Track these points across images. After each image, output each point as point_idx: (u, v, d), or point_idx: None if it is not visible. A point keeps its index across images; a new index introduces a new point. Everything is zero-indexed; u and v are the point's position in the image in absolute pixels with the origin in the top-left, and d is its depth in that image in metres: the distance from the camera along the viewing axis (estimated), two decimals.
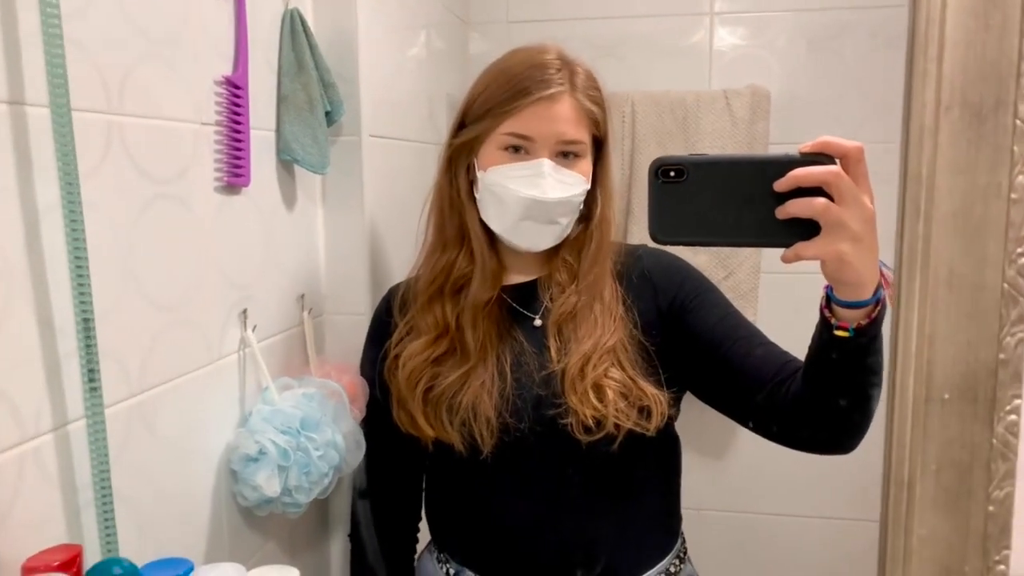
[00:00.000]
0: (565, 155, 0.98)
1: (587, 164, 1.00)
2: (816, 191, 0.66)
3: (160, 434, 0.85)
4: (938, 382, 0.41)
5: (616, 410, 0.92)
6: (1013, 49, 0.39)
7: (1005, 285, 0.40)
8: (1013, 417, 0.41)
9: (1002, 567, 0.41)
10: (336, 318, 1.24)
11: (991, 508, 0.41)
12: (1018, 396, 0.40)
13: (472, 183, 1.02)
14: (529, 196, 0.95)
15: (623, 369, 0.95)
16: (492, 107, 0.97)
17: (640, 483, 1.01)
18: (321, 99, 1.11)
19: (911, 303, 0.41)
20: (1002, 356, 0.40)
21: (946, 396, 0.41)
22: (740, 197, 0.67)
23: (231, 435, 0.98)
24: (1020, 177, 0.39)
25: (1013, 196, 0.39)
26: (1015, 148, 0.39)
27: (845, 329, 0.75)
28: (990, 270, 0.40)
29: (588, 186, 1.00)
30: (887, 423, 0.43)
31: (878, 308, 0.74)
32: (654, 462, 1.02)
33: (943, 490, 0.42)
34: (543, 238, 0.99)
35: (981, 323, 0.40)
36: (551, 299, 1.01)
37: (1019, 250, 0.39)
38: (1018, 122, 0.39)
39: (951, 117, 0.39)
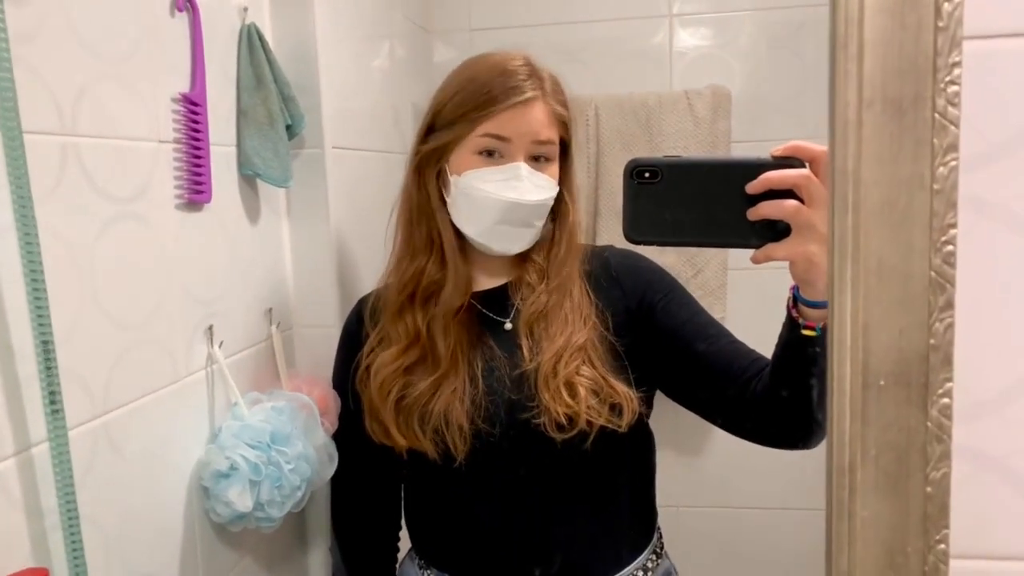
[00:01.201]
0: (536, 158, 0.99)
1: (556, 167, 1.02)
2: (787, 193, 0.68)
3: (127, 454, 0.85)
4: (873, 369, 0.42)
5: (588, 406, 0.93)
6: (929, 46, 0.40)
7: (932, 273, 0.41)
8: (946, 400, 0.42)
9: (942, 546, 0.43)
10: (305, 331, 1.24)
11: (929, 489, 0.42)
12: (949, 380, 0.42)
13: (442, 189, 1.02)
14: (507, 199, 0.96)
15: (594, 367, 0.96)
16: (466, 111, 0.98)
17: (615, 481, 1.03)
18: (281, 113, 1.12)
19: (844, 293, 0.42)
20: (932, 341, 0.42)
21: (882, 383, 0.42)
22: (713, 199, 0.68)
23: (201, 452, 0.97)
24: (941, 168, 0.41)
25: (935, 187, 0.41)
26: (935, 141, 0.40)
27: (812, 328, 0.77)
28: (917, 259, 0.41)
29: (558, 189, 1.01)
30: (828, 411, 0.44)
31: None
32: (629, 460, 1.04)
33: (883, 473, 0.43)
34: (517, 241, 1.01)
35: (911, 310, 0.42)
36: (522, 300, 1.02)
37: (943, 239, 0.41)
38: (936, 116, 0.40)
39: (873, 112, 0.41)
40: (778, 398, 0.87)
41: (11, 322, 0.70)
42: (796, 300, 0.78)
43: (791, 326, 0.80)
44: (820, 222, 0.68)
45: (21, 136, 0.68)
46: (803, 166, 0.69)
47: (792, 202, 0.67)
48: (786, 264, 0.73)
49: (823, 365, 0.76)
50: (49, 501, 0.73)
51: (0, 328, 0.69)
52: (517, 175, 0.97)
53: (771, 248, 0.69)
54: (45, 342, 0.70)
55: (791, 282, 0.79)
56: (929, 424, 0.42)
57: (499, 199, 0.96)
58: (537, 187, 0.98)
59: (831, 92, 0.42)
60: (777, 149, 0.69)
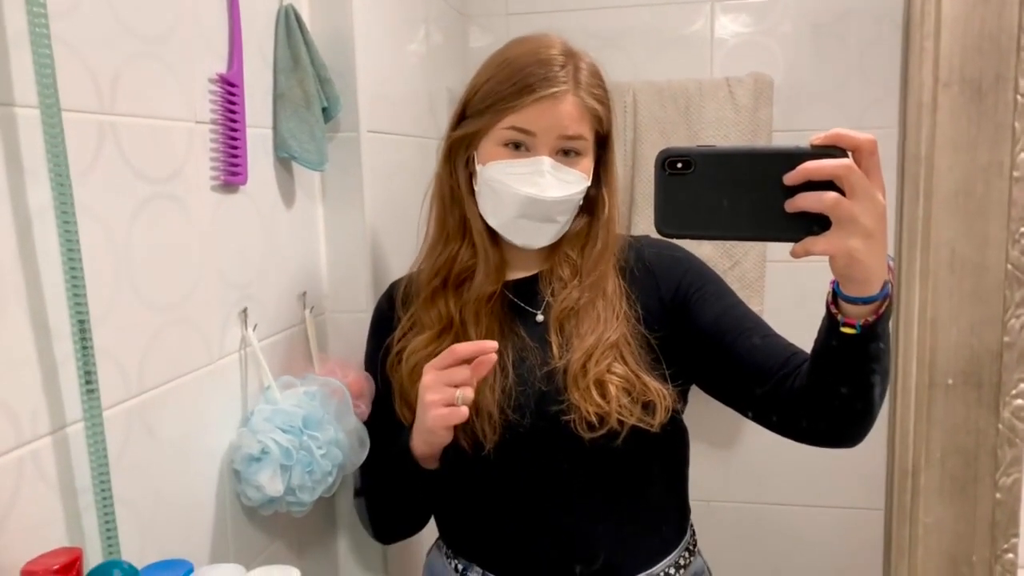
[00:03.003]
0: (566, 153, 0.97)
1: (588, 162, 0.99)
2: (827, 184, 0.65)
3: (160, 435, 0.85)
4: (941, 367, 0.40)
5: (619, 406, 0.91)
6: (1013, 22, 0.37)
7: (1009, 266, 0.39)
8: (1020, 401, 0.39)
9: (1010, 555, 0.40)
10: (338, 316, 1.24)
11: (998, 495, 0.40)
12: None
13: (472, 176, 1.01)
14: (526, 194, 0.94)
15: (626, 364, 0.94)
16: (494, 102, 0.96)
17: (646, 478, 1.01)
18: (318, 95, 1.11)
19: (912, 286, 0.40)
20: (1007, 339, 0.39)
21: (950, 381, 0.40)
22: (748, 190, 0.66)
23: (233, 435, 0.97)
24: (1022, 155, 0.38)
25: (1016, 174, 0.38)
26: (1016, 124, 0.38)
27: (852, 326, 0.74)
28: (993, 251, 0.39)
29: (588, 184, 0.99)
30: (890, 410, 0.42)
31: (885, 304, 0.72)
32: (660, 456, 1.01)
33: (949, 478, 0.41)
34: (539, 236, 0.99)
35: (984, 305, 0.39)
36: (552, 294, 1.00)
37: (1022, 230, 0.38)
38: (1019, 97, 0.38)
39: (950, 94, 0.38)
40: (816, 395, 0.84)
41: (48, 302, 0.70)
42: (836, 296, 0.75)
43: (830, 323, 0.77)
44: (862, 215, 0.64)
45: (60, 114, 0.67)
46: (845, 155, 0.65)
47: (832, 194, 0.64)
48: (826, 257, 0.70)
49: (865, 363, 0.74)
50: (83, 481, 0.73)
51: (37, 307, 0.69)
52: (539, 170, 0.94)
53: (810, 242, 0.66)
54: (82, 322, 0.70)
55: (828, 290, 0.77)
56: (1001, 426, 0.40)
57: (518, 193, 0.94)
58: (561, 182, 0.95)
59: (903, 72, 0.39)
60: (817, 137, 0.66)
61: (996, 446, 0.40)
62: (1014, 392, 0.39)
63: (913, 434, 0.41)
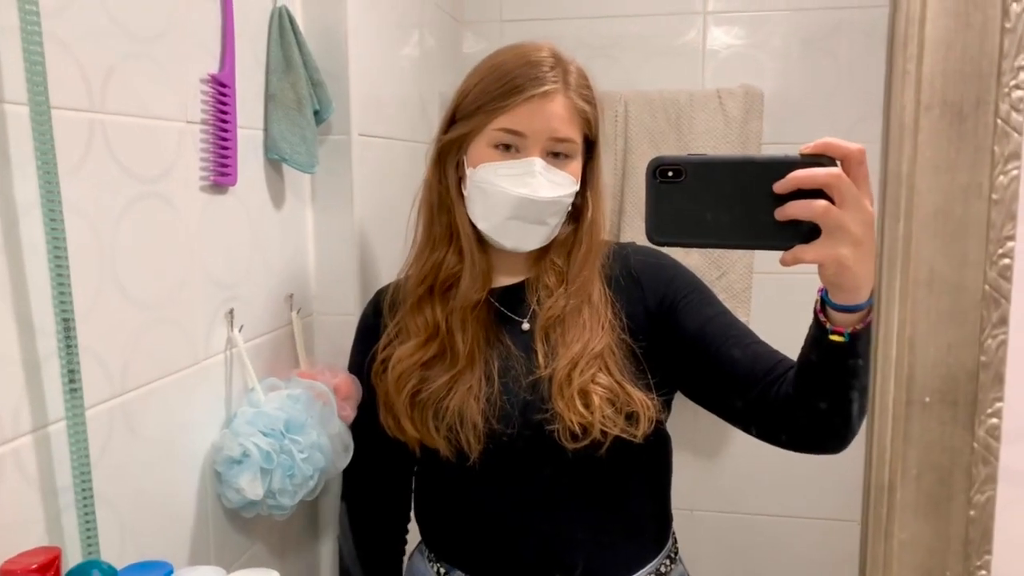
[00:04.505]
0: (556, 155, 0.97)
1: (577, 165, 0.99)
2: (817, 193, 0.65)
3: (143, 435, 0.85)
4: (919, 385, 0.41)
5: (603, 416, 0.91)
6: (994, 48, 0.38)
7: (986, 287, 0.39)
8: (994, 421, 0.40)
9: (983, 572, 0.41)
10: (325, 318, 1.24)
11: (972, 513, 0.41)
12: (999, 399, 0.40)
13: (461, 180, 1.01)
14: (519, 195, 0.94)
15: (610, 374, 0.94)
16: (484, 103, 0.96)
17: (628, 487, 1.01)
18: (310, 97, 1.11)
19: (891, 305, 0.41)
20: (983, 359, 0.40)
21: (927, 399, 0.40)
22: (739, 198, 0.66)
23: (217, 436, 0.97)
24: (1001, 177, 0.39)
25: (994, 197, 0.39)
26: (995, 148, 0.38)
27: (840, 334, 0.75)
28: (971, 271, 0.39)
29: (577, 187, 0.99)
30: (868, 427, 0.42)
31: (873, 312, 0.73)
32: (643, 465, 1.02)
33: (924, 495, 0.41)
34: (530, 238, 0.99)
35: (962, 325, 0.40)
36: (538, 302, 1.01)
37: (1000, 251, 0.39)
38: (999, 121, 0.38)
39: (931, 116, 0.39)
40: (803, 402, 0.85)
41: (33, 299, 0.69)
42: (824, 303, 0.76)
43: (818, 331, 0.77)
44: (851, 223, 0.65)
45: (49, 111, 0.67)
46: (834, 164, 0.66)
47: (822, 202, 0.65)
48: (814, 269, 0.71)
49: (852, 371, 0.75)
50: (64, 480, 0.72)
51: (22, 304, 0.69)
52: (531, 171, 0.95)
53: (800, 250, 0.67)
54: (66, 320, 0.70)
55: (819, 286, 0.77)
56: (976, 445, 0.40)
57: (510, 194, 0.94)
58: (552, 184, 0.96)
59: (887, 94, 0.40)
60: (807, 146, 0.67)
61: (971, 464, 0.40)
62: (989, 411, 0.40)
63: (890, 451, 0.41)
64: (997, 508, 0.40)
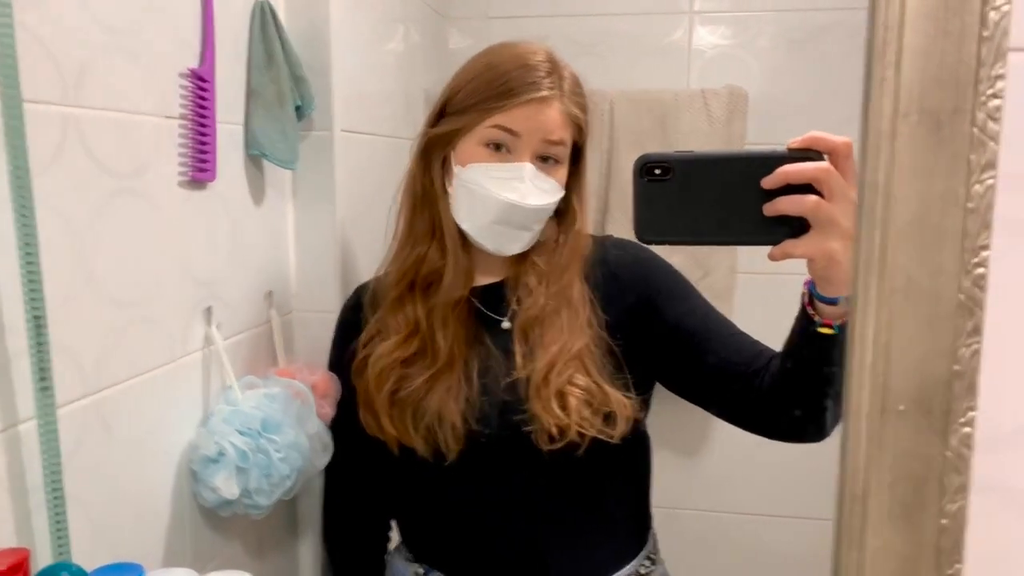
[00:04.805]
0: (545, 159, 0.96)
1: (564, 171, 0.99)
2: (805, 187, 0.65)
3: (118, 434, 0.84)
4: (894, 393, 0.40)
5: (580, 418, 0.91)
6: (972, 56, 0.38)
7: (961, 296, 0.39)
8: (967, 430, 0.40)
9: None
10: (305, 315, 1.23)
11: (944, 521, 0.41)
12: (972, 408, 0.40)
13: (447, 176, 1.00)
14: (506, 200, 0.94)
15: (588, 375, 0.94)
16: (478, 101, 0.95)
17: (606, 488, 1.01)
18: (291, 93, 1.10)
19: (867, 312, 0.40)
20: (957, 367, 0.40)
21: (901, 408, 0.40)
22: (727, 194, 0.66)
23: (193, 435, 0.96)
24: (977, 186, 0.38)
25: (970, 205, 0.39)
26: (972, 157, 0.38)
27: (829, 326, 0.75)
28: (946, 280, 0.39)
29: (562, 194, 0.99)
30: (843, 435, 0.42)
31: None
32: (621, 466, 1.02)
33: (897, 503, 0.41)
34: (513, 243, 0.98)
35: (937, 334, 0.40)
36: (518, 302, 1.00)
37: (975, 260, 0.39)
38: (975, 130, 0.38)
39: (909, 123, 0.39)
40: (786, 392, 0.85)
41: (3, 296, 0.68)
42: (812, 296, 0.76)
43: (806, 324, 0.77)
44: (841, 217, 0.65)
45: (21, 105, 0.66)
46: (821, 158, 0.66)
47: (811, 197, 0.65)
48: (797, 268, 0.71)
49: (838, 361, 0.75)
50: (35, 480, 0.71)
51: None
52: (520, 176, 0.94)
53: (789, 245, 0.67)
54: (37, 318, 0.69)
55: (801, 288, 0.77)
56: (948, 454, 0.40)
57: (498, 199, 0.94)
58: (540, 190, 0.95)
59: (865, 101, 0.40)
60: (795, 141, 0.67)
61: (943, 473, 0.40)
62: (962, 420, 0.40)
63: (864, 459, 0.41)
64: (969, 518, 0.40)
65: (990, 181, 0.38)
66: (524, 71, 0.94)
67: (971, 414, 0.40)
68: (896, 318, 0.40)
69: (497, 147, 0.95)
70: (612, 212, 1.72)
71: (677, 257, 1.64)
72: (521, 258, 1.02)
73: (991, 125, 0.38)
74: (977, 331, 0.39)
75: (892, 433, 0.40)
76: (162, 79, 0.89)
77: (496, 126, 0.94)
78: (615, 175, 1.72)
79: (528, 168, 0.94)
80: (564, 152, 0.97)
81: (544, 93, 0.94)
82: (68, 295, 0.76)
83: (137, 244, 0.86)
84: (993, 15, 0.37)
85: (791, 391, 0.84)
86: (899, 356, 0.40)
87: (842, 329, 0.74)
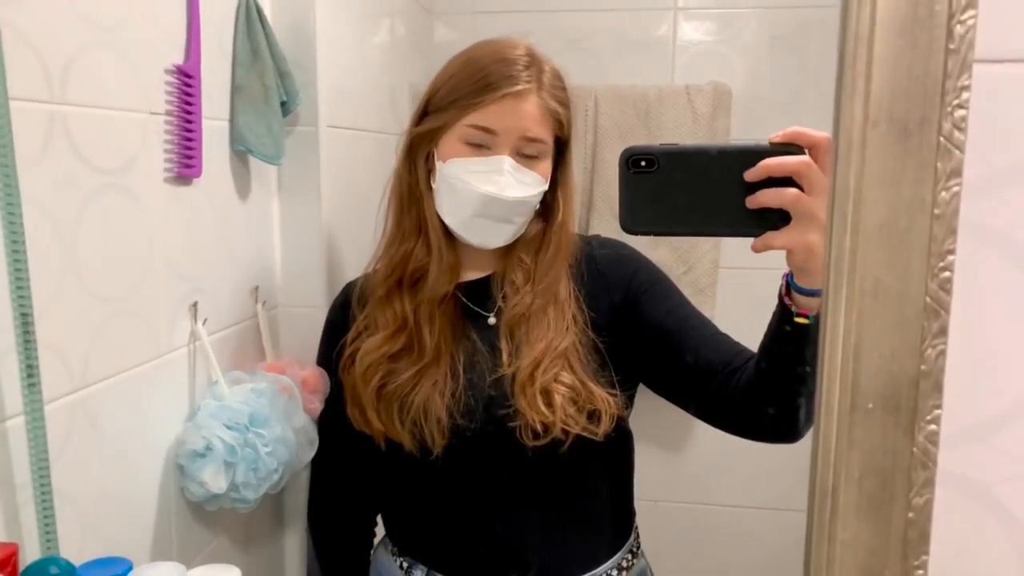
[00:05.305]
0: (526, 155, 0.97)
1: (547, 165, 1.00)
2: (787, 181, 0.67)
3: (105, 429, 0.84)
4: (863, 392, 0.42)
5: (565, 416, 0.92)
6: (938, 68, 0.39)
7: (927, 298, 0.41)
8: (933, 427, 0.41)
9: (920, 572, 0.42)
10: (291, 310, 1.23)
11: (911, 515, 0.42)
12: (938, 406, 0.41)
13: (431, 173, 1.01)
14: (486, 192, 0.95)
15: (574, 373, 0.95)
16: (457, 98, 0.96)
17: (589, 484, 1.02)
18: (277, 88, 1.10)
19: (837, 313, 0.42)
20: (923, 367, 0.41)
21: (870, 406, 0.42)
22: (710, 187, 0.67)
23: (180, 430, 0.96)
24: (943, 193, 0.40)
25: (936, 211, 0.40)
26: (938, 165, 0.40)
27: (806, 316, 0.76)
28: (914, 283, 0.41)
29: (546, 187, 1.00)
30: (814, 432, 0.44)
31: None
32: (605, 462, 1.03)
33: (866, 497, 0.42)
34: (496, 236, 0.99)
35: (904, 334, 0.41)
36: (504, 299, 1.01)
37: (941, 264, 0.40)
38: (942, 139, 0.39)
39: (878, 132, 0.40)
40: (763, 390, 0.86)
41: None
42: (790, 288, 0.77)
43: (783, 315, 0.79)
44: (820, 210, 0.66)
45: (7, 103, 0.66)
46: (803, 152, 0.67)
47: (792, 190, 0.66)
48: (779, 264, 0.72)
49: (813, 355, 0.77)
50: (22, 475, 0.72)
51: None
52: (499, 169, 0.95)
53: (770, 237, 0.68)
54: (24, 315, 0.69)
55: (781, 282, 0.79)
56: (915, 450, 0.42)
57: (477, 191, 0.95)
58: (520, 183, 0.96)
59: (836, 109, 0.41)
60: (776, 135, 0.68)
61: (910, 468, 0.42)
62: (928, 418, 0.41)
63: (834, 454, 0.43)
64: (935, 511, 0.42)
65: (956, 188, 0.40)
66: (502, 65, 0.95)
67: (937, 412, 0.41)
68: (865, 319, 0.42)
69: (477, 145, 0.96)
70: (597, 206, 1.73)
71: (661, 251, 1.66)
72: (507, 253, 1.03)
73: (957, 134, 0.39)
74: (943, 332, 0.41)
75: (861, 430, 0.42)
76: (147, 75, 0.89)
77: (473, 125, 0.95)
78: (599, 170, 1.73)
79: (507, 161, 0.95)
80: (544, 148, 0.98)
81: (520, 87, 0.94)
82: (55, 291, 0.76)
83: (123, 240, 0.86)
84: (959, 28, 0.39)
85: (766, 387, 0.86)
86: (868, 356, 0.42)
87: (817, 320, 0.76)
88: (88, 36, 0.79)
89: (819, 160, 0.67)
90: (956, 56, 0.39)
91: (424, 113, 1.01)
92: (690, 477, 1.92)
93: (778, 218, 0.68)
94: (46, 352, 0.73)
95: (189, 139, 0.96)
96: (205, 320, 1.01)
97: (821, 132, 0.67)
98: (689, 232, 0.72)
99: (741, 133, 1.73)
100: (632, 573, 1.06)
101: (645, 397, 1.05)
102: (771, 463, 1.81)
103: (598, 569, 1.02)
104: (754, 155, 0.66)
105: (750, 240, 0.70)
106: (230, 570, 0.75)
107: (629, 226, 0.68)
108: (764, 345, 0.85)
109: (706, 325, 0.98)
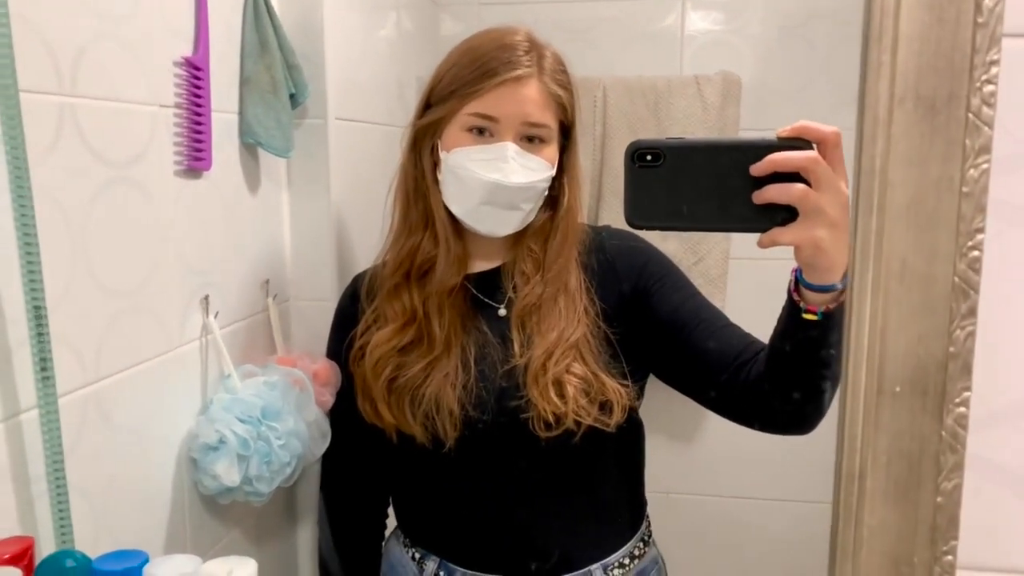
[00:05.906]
0: (530, 140, 0.96)
1: (553, 150, 0.99)
2: (794, 176, 0.66)
3: (117, 423, 0.84)
4: (890, 375, 0.41)
5: (577, 407, 0.92)
6: (966, 43, 0.38)
7: (956, 279, 0.40)
8: (962, 410, 0.41)
9: (949, 557, 0.42)
10: (301, 304, 1.23)
11: (939, 500, 0.41)
12: (967, 389, 0.41)
13: (436, 165, 1.01)
14: (491, 180, 0.94)
15: (585, 364, 0.95)
16: (457, 88, 0.95)
17: (601, 474, 1.02)
18: (285, 81, 1.10)
19: (864, 296, 0.41)
20: (952, 349, 0.40)
21: (897, 389, 0.41)
22: (717, 181, 0.66)
23: (192, 423, 0.96)
24: (971, 171, 0.39)
25: (964, 190, 0.39)
26: (967, 142, 0.39)
27: (814, 312, 0.76)
28: (941, 263, 0.40)
29: (553, 172, 0.99)
30: (839, 416, 0.43)
31: (846, 292, 0.74)
32: (616, 452, 1.03)
33: (893, 482, 0.42)
34: (504, 224, 0.98)
35: (932, 316, 0.40)
36: (515, 289, 1.01)
37: (969, 243, 0.39)
38: (970, 116, 0.39)
39: (904, 109, 0.39)
40: (773, 383, 0.86)
41: (2, 286, 0.68)
42: (798, 283, 0.76)
43: (792, 310, 0.78)
44: (828, 206, 0.66)
45: (17, 95, 0.66)
46: (810, 147, 0.67)
47: (799, 186, 0.65)
48: (789, 255, 0.71)
49: (822, 350, 0.76)
50: (37, 469, 0.72)
51: None
52: (503, 156, 0.94)
53: (777, 233, 0.67)
54: (37, 308, 0.69)
55: (791, 278, 0.78)
56: (944, 433, 0.41)
57: (483, 179, 0.94)
58: (525, 168, 0.95)
59: (861, 87, 0.40)
60: (784, 130, 0.67)
61: (939, 452, 0.41)
62: (957, 400, 0.41)
63: (861, 439, 0.42)
64: (964, 495, 0.41)
65: (985, 165, 0.39)
66: (502, 51, 0.95)
67: (966, 394, 0.41)
68: (891, 302, 0.41)
69: (479, 132, 0.95)
70: (606, 198, 1.73)
71: (671, 243, 1.65)
72: (516, 243, 1.02)
73: (986, 110, 0.39)
74: (972, 313, 0.40)
75: (888, 414, 0.41)
76: (157, 68, 0.89)
77: (474, 113, 0.94)
78: (608, 162, 1.72)
79: (511, 147, 0.94)
80: (548, 133, 0.97)
81: (520, 72, 0.94)
82: (67, 285, 0.76)
83: (134, 233, 0.86)
84: (988, 1, 0.38)
85: (775, 381, 0.85)
86: (895, 339, 0.41)
87: (825, 316, 0.75)
88: (97, 28, 0.79)
89: (827, 155, 0.66)
90: (985, 30, 0.38)
91: (427, 105, 1.01)
92: (701, 468, 1.91)
93: (785, 213, 0.67)
94: (59, 346, 0.73)
95: (199, 132, 0.96)
96: (216, 313, 1.01)
97: (829, 126, 0.66)
98: (694, 227, 0.72)
99: (751, 123, 1.72)
100: (644, 561, 1.06)
101: (656, 388, 1.04)
102: (783, 454, 1.81)
103: (610, 558, 1.02)
104: (761, 149, 0.66)
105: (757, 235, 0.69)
106: (246, 562, 0.75)
107: (634, 221, 0.68)
108: (774, 339, 0.84)
109: (717, 317, 0.98)
